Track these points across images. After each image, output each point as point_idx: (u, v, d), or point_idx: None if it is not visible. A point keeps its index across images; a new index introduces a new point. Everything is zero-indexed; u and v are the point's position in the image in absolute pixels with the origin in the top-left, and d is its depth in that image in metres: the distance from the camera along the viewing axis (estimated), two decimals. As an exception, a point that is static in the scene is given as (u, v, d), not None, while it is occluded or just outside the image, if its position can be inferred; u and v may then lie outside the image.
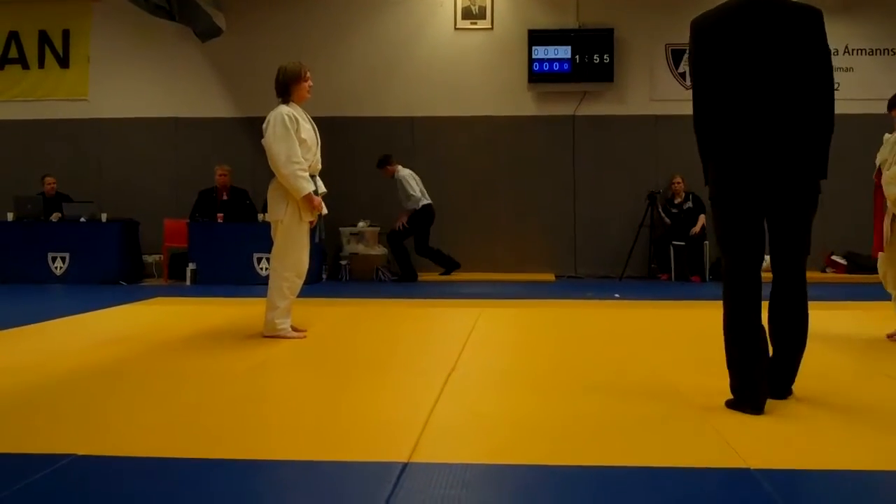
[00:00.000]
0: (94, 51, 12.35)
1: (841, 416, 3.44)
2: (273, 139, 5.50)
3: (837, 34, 11.59)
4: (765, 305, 3.53)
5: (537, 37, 11.74)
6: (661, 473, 2.73)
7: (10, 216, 10.95)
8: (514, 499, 2.59)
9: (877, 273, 6.03)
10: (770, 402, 3.44)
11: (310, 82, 5.72)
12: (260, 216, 10.09)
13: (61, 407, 3.70)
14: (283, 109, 5.57)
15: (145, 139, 12.27)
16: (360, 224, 11.45)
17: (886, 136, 5.90)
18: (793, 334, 3.57)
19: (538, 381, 4.29)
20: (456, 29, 12.12)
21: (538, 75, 11.79)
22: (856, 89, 11.18)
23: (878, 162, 5.88)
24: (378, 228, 11.49)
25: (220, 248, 10.55)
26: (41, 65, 12.43)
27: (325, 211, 5.81)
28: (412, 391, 4.00)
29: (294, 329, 5.76)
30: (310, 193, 5.53)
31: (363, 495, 2.53)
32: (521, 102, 12.02)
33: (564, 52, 11.72)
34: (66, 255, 10.80)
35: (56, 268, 10.78)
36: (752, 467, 2.74)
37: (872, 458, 2.91)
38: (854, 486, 2.66)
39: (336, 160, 11.26)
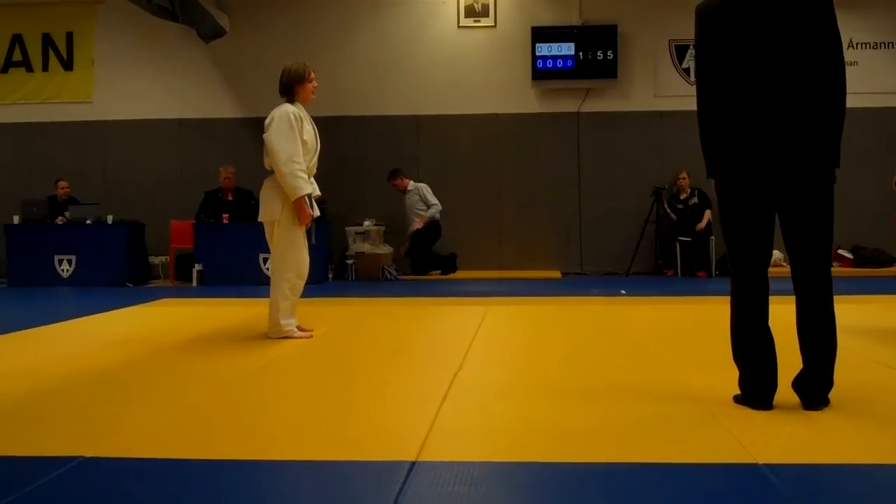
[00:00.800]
0: (98, 53, 12.38)
1: (849, 411, 3.42)
2: (276, 136, 5.46)
3: (841, 28, 11.55)
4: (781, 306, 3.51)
5: (540, 34, 11.74)
6: (669, 470, 2.73)
7: (16, 219, 10.98)
8: (521, 496, 2.58)
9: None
10: (778, 397, 3.43)
11: (314, 83, 5.69)
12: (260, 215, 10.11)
13: (69, 409, 3.71)
14: (289, 108, 5.54)
15: (150, 141, 12.30)
16: (366, 223, 11.45)
17: None
18: (818, 343, 3.40)
19: (545, 378, 4.29)
20: (459, 27, 12.13)
21: (542, 72, 11.79)
22: (859, 83, 11.10)
23: None
24: (384, 227, 11.50)
25: (226, 249, 10.58)
26: (45, 67, 12.47)
27: (317, 213, 5.78)
28: (419, 390, 4.00)
29: (300, 329, 5.77)
30: (302, 198, 5.48)
31: (372, 494, 2.53)
32: (525, 100, 12.02)
33: (568, 48, 11.72)
34: (73, 258, 10.83)
35: (63, 270, 10.82)
36: (760, 462, 2.74)
37: (881, 451, 2.90)
38: (863, 481, 2.66)
39: (341, 160, 11.33)
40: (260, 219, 5.71)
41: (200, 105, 12.24)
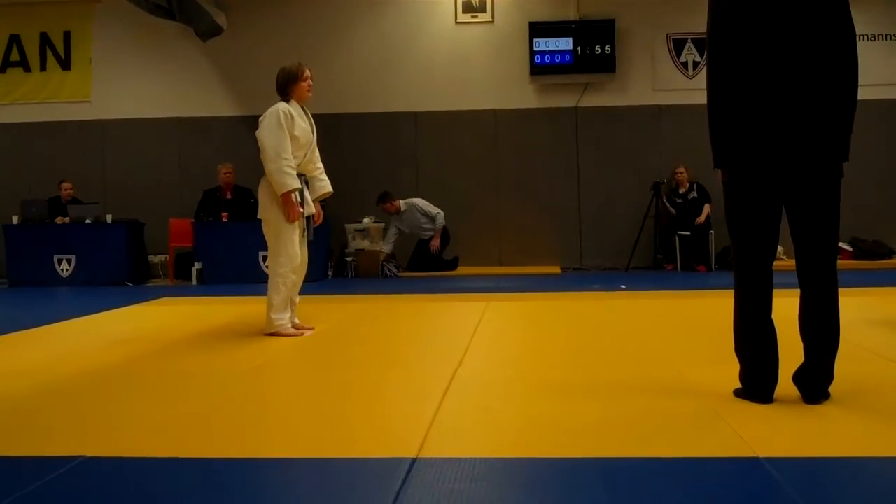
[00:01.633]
0: (96, 52, 12.38)
1: (850, 404, 3.42)
2: (265, 133, 5.53)
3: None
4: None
5: (538, 29, 11.73)
6: (670, 464, 2.73)
7: (15, 219, 10.98)
8: (522, 492, 2.58)
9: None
10: (779, 391, 3.43)
11: (309, 82, 5.72)
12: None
13: (70, 409, 3.71)
14: (280, 106, 5.59)
15: (149, 139, 12.30)
16: (365, 220, 11.46)
17: None
18: (821, 336, 3.38)
19: (545, 374, 4.29)
20: (457, 23, 12.12)
21: (540, 67, 11.79)
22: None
23: None
24: (382, 224, 11.50)
25: (225, 247, 10.58)
26: (43, 67, 12.46)
27: (311, 210, 5.80)
28: (419, 386, 4.00)
29: (299, 327, 5.78)
30: (289, 195, 5.49)
31: (373, 491, 2.53)
32: (524, 95, 12.01)
33: (566, 43, 11.71)
34: (72, 257, 10.83)
35: (62, 270, 10.82)
36: (761, 456, 2.74)
37: (882, 444, 2.90)
38: (865, 474, 2.66)
39: (340, 157, 11.32)
40: (258, 216, 5.75)
41: (199, 103, 12.23)
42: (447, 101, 12.03)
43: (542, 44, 11.73)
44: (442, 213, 11.35)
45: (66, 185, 11.50)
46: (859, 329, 5.39)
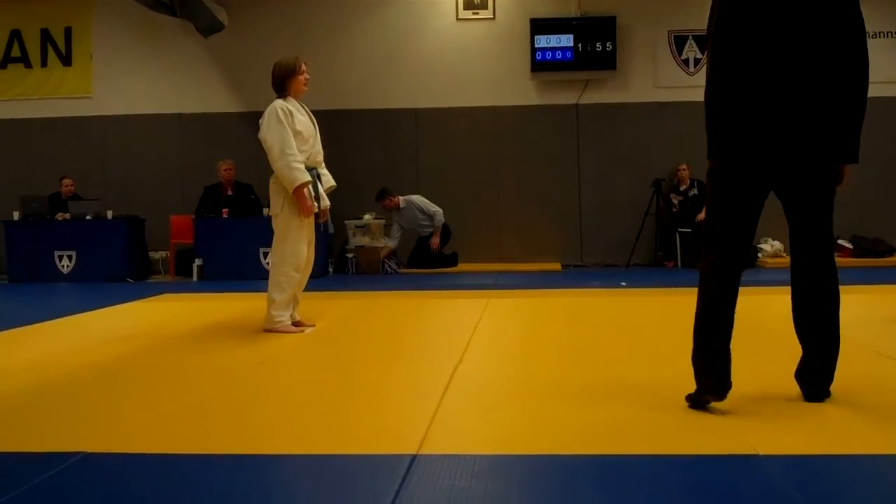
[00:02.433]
0: (97, 48, 12.37)
1: (850, 402, 3.42)
2: (267, 133, 5.52)
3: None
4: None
5: (539, 26, 11.72)
6: (670, 461, 2.73)
7: (16, 215, 10.98)
8: (522, 489, 2.59)
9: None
10: (779, 388, 3.43)
11: (305, 75, 5.71)
12: (265, 210, 10.11)
13: (70, 405, 3.71)
14: (278, 103, 5.58)
15: (149, 135, 12.30)
16: (366, 217, 11.46)
17: None
18: (822, 334, 3.32)
19: (545, 371, 4.29)
20: (458, 19, 12.11)
21: (541, 64, 11.78)
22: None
23: None
24: (383, 221, 11.50)
25: (226, 244, 10.58)
26: (44, 63, 12.46)
27: (326, 203, 5.82)
28: (420, 383, 4.00)
29: (300, 323, 5.77)
30: (301, 189, 5.49)
31: (373, 488, 2.53)
32: (525, 92, 12.01)
33: (567, 40, 11.70)
34: (73, 254, 10.83)
35: (63, 266, 10.82)
36: (761, 453, 2.74)
37: (882, 442, 2.90)
38: (864, 472, 2.66)
39: (341, 153, 11.31)
40: (268, 213, 5.76)
41: (199, 99, 12.23)
42: (448, 97, 12.03)
43: (543, 41, 11.73)
44: (441, 211, 11.34)
45: (66, 181, 11.50)
46: (860, 327, 5.38)
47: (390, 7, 12.14)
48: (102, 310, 7.26)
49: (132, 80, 12.29)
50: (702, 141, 3.53)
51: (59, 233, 10.91)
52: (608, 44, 11.67)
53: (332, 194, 5.97)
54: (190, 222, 10.93)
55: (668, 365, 4.31)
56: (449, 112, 12.04)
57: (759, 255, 10.89)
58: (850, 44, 3.23)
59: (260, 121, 5.62)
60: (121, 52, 12.28)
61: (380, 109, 12.05)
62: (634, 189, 11.63)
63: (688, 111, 10.79)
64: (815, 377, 3.38)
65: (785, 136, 3.20)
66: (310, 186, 5.57)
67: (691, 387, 3.29)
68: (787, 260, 3.55)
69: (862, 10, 3.24)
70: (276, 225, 5.64)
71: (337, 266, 11.44)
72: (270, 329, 5.61)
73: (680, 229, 11.27)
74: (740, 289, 3.31)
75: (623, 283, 9.03)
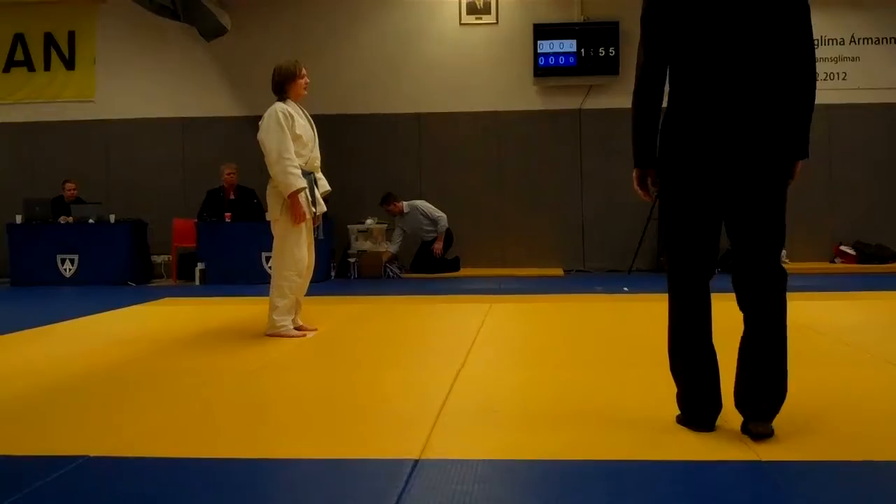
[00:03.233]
0: (100, 52, 12.39)
1: (853, 408, 3.42)
2: (266, 135, 5.52)
3: (843, 23, 11.52)
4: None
5: (542, 31, 11.73)
6: (673, 467, 2.73)
7: (19, 218, 10.99)
8: (525, 494, 2.58)
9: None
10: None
11: (306, 79, 5.72)
12: (266, 215, 10.12)
13: (73, 408, 3.72)
14: (278, 106, 5.59)
15: (152, 139, 12.31)
16: (368, 221, 11.46)
17: None
18: (761, 378, 2.99)
19: (548, 376, 4.29)
20: (461, 24, 12.12)
21: (544, 69, 11.79)
22: (862, 79, 11.15)
23: None
24: (385, 225, 11.50)
25: (228, 248, 10.58)
26: (47, 67, 12.47)
27: (322, 209, 5.81)
28: (422, 388, 4.00)
29: (302, 328, 5.77)
30: (296, 195, 5.48)
31: (375, 493, 2.53)
32: (527, 97, 12.01)
33: (570, 45, 11.71)
34: (76, 257, 10.83)
35: (65, 269, 10.82)
36: (763, 459, 2.73)
37: (884, 448, 2.89)
38: (866, 478, 2.65)
39: (343, 157, 11.35)
40: (266, 218, 5.75)
41: (202, 103, 12.24)
42: (451, 102, 12.03)
43: (546, 46, 11.74)
44: (444, 216, 11.34)
45: (69, 184, 11.51)
46: (863, 333, 5.39)
47: (393, 11, 12.16)
48: (105, 313, 7.26)
49: (135, 84, 12.30)
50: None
51: (61, 236, 10.91)
52: (611, 49, 11.67)
53: (334, 199, 5.97)
54: (193, 226, 10.93)
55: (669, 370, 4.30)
56: (452, 117, 12.05)
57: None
58: (797, 33, 2.96)
59: (260, 122, 5.62)
60: (124, 56, 12.29)
61: (383, 114, 12.06)
62: (637, 194, 11.58)
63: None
64: (754, 400, 3.00)
65: (734, 139, 2.94)
66: (305, 192, 5.57)
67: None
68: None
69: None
70: (276, 230, 5.65)
71: (339, 270, 11.43)
72: (273, 333, 5.61)
73: (682, 235, 11.25)
74: (730, 294, 3.11)
75: (625, 289, 9.02)
